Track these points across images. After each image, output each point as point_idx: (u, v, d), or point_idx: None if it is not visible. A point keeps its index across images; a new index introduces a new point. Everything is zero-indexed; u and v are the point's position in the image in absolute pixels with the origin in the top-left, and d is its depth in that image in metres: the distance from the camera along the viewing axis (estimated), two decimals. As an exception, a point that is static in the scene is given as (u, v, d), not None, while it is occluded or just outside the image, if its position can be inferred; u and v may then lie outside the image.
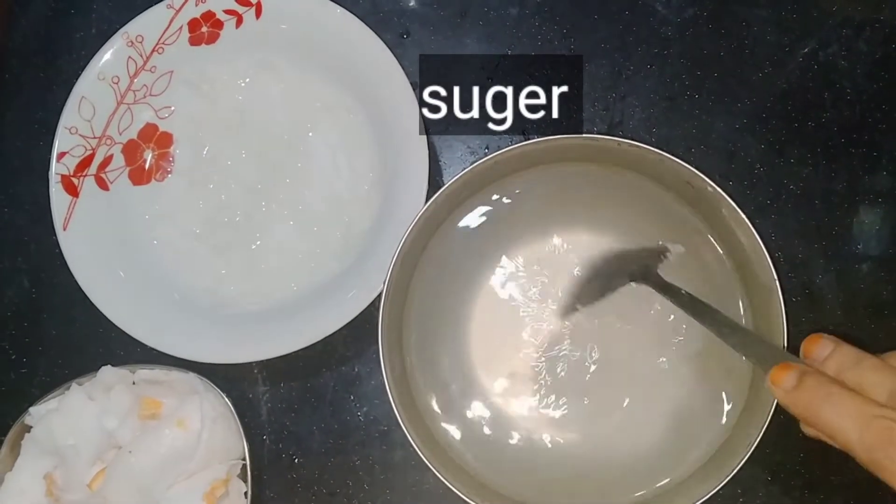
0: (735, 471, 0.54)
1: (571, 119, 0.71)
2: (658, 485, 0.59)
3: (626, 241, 0.62)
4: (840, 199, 0.69)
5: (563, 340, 0.62)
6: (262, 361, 0.66)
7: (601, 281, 0.61)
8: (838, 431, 0.37)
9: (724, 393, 0.59)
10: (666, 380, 0.61)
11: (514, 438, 0.62)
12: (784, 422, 0.54)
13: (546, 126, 0.71)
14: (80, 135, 0.65)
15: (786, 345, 0.54)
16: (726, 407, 0.59)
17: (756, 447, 0.54)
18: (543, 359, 0.62)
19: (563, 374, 0.62)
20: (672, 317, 0.61)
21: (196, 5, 0.66)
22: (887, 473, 0.35)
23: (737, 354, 0.51)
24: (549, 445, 0.61)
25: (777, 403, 0.47)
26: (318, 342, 0.62)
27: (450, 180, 0.58)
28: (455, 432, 0.61)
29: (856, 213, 0.69)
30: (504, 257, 0.63)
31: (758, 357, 0.45)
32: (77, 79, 0.66)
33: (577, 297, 0.62)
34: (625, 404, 0.61)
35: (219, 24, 0.67)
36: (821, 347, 0.43)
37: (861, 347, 0.66)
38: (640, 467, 0.60)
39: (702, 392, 0.60)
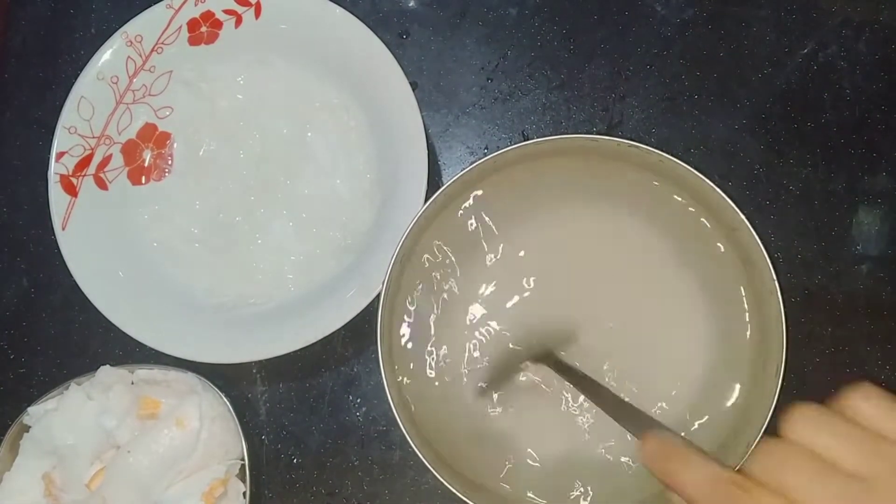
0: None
1: (571, 119, 0.71)
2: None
3: (624, 242, 0.62)
4: (839, 199, 0.69)
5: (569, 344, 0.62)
6: (260, 361, 0.66)
7: (504, 367, 0.62)
8: (685, 491, 0.40)
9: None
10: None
11: (516, 438, 0.62)
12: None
13: (545, 126, 0.71)
14: (79, 134, 0.65)
15: (785, 346, 0.54)
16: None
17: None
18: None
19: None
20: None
21: (195, 5, 0.66)
22: None
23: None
24: (552, 448, 0.61)
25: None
26: (316, 342, 0.62)
27: (449, 180, 0.58)
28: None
29: (855, 213, 0.69)
30: (502, 252, 0.63)
31: (635, 426, 0.49)
32: (76, 79, 0.66)
33: (488, 384, 0.62)
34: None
35: (218, 24, 0.67)
36: None
37: (859, 349, 0.66)
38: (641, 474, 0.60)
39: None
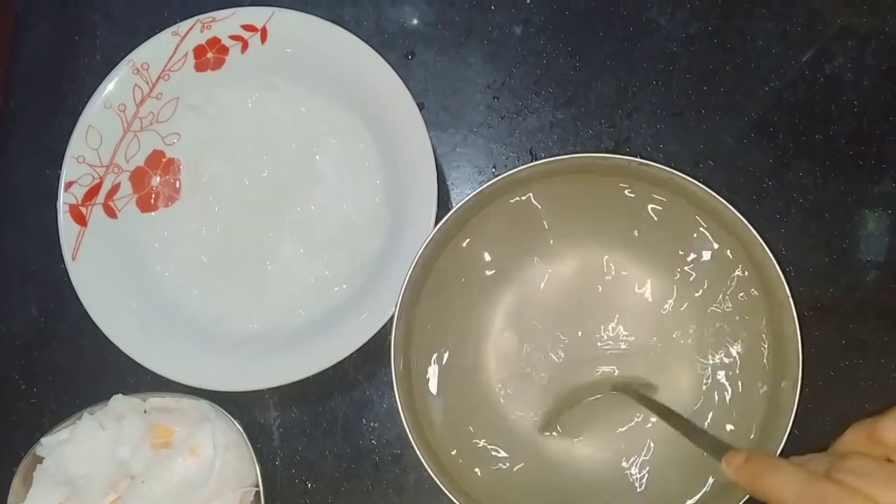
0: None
1: (578, 136, 0.71)
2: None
3: (639, 261, 0.62)
4: (849, 210, 0.69)
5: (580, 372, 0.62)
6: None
7: (583, 391, 0.62)
8: (779, 495, 0.41)
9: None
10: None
11: (524, 460, 0.61)
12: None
13: (553, 144, 0.71)
14: (88, 164, 0.65)
15: (800, 360, 0.54)
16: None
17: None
18: (554, 383, 0.62)
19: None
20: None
21: (201, 31, 0.66)
22: None
23: None
24: (560, 469, 0.61)
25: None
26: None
27: (458, 202, 0.57)
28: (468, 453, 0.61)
29: (865, 224, 0.69)
30: (514, 275, 0.63)
31: (715, 449, 0.49)
32: (82, 106, 0.66)
33: (555, 416, 0.62)
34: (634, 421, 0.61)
35: (224, 50, 0.67)
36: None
37: (873, 360, 0.66)
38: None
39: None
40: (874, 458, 0.39)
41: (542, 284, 0.63)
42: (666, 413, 0.56)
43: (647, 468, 0.60)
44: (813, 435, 0.64)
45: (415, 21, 0.73)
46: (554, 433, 0.61)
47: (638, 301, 0.62)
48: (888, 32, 0.71)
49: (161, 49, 0.66)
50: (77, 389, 0.70)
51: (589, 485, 0.61)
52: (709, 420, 0.60)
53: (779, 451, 0.53)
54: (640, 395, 0.59)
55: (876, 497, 0.37)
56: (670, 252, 0.61)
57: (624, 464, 0.61)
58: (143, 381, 0.67)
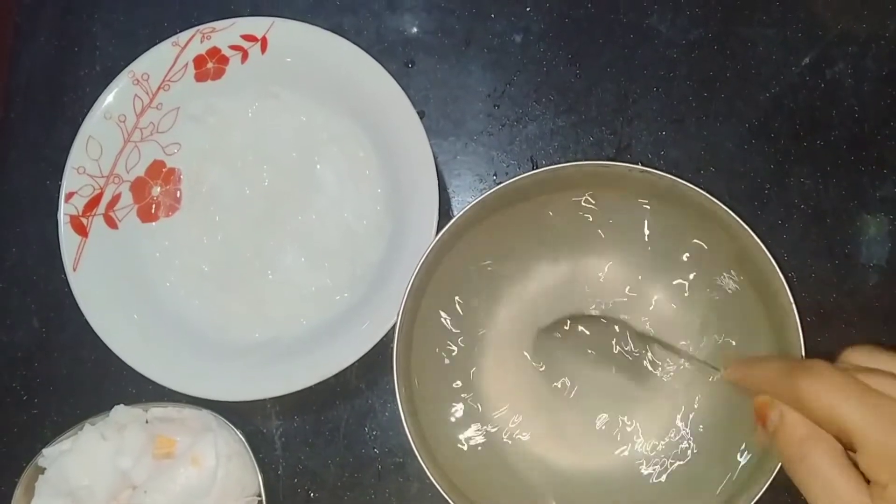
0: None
1: (579, 143, 0.71)
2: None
3: (640, 268, 0.62)
4: (851, 216, 0.69)
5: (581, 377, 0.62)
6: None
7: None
8: (760, 382, 0.44)
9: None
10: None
11: (529, 467, 0.61)
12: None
13: (554, 151, 0.71)
14: (88, 174, 0.65)
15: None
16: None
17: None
18: (558, 390, 0.62)
19: (580, 407, 0.62)
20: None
21: (201, 42, 0.66)
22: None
23: None
24: (565, 478, 0.61)
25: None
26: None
27: (460, 210, 0.57)
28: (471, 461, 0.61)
29: (867, 229, 0.69)
30: (517, 282, 0.63)
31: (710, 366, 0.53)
32: (82, 116, 0.66)
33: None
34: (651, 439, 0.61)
35: (224, 60, 0.67)
36: None
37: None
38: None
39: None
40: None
41: (546, 291, 0.63)
42: (663, 343, 0.59)
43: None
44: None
45: (415, 29, 0.73)
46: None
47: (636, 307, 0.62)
48: (888, 37, 0.71)
49: (161, 59, 0.66)
50: (78, 400, 0.70)
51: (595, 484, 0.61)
52: (710, 422, 0.60)
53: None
54: (634, 329, 0.60)
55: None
56: (672, 258, 0.61)
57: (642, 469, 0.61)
58: (144, 391, 0.67)
